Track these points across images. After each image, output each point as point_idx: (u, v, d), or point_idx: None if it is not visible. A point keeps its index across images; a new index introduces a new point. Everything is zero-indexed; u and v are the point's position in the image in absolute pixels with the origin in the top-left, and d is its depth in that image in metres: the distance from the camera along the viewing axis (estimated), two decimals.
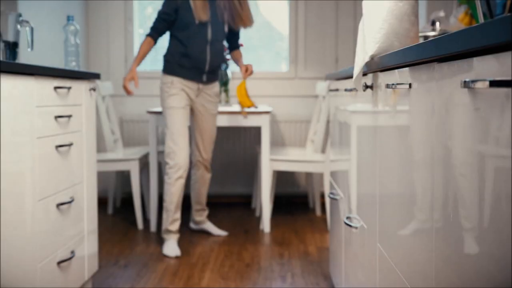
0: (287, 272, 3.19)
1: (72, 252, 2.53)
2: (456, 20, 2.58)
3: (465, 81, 0.89)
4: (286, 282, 3.03)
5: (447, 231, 1.05)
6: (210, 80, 3.72)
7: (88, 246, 2.76)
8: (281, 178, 5.00)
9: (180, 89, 3.61)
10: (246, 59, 5.19)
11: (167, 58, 3.67)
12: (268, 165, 4.11)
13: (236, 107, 4.42)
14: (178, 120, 3.56)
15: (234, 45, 3.97)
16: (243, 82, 3.87)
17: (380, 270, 1.61)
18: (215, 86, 3.78)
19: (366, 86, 1.75)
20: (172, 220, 3.64)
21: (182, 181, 3.61)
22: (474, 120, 0.92)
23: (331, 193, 2.73)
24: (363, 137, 1.92)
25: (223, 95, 4.66)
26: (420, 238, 1.22)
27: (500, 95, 0.82)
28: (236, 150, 5.08)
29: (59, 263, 2.39)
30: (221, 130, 4.92)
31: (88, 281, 2.85)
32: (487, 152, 0.87)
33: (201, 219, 4.02)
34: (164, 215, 3.65)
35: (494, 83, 0.81)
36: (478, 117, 0.91)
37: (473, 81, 0.86)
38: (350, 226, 2.02)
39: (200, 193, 3.96)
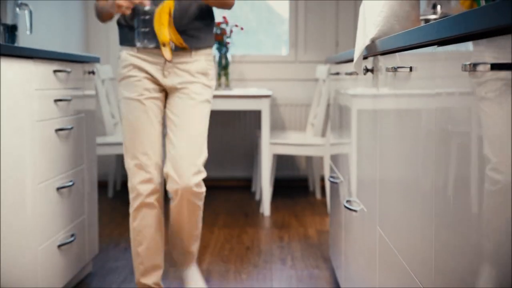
0: (287, 255, 3.20)
1: (73, 235, 2.54)
2: (457, 3, 2.57)
3: (465, 65, 0.89)
4: (286, 265, 3.04)
5: (447, 215, 1.06)
6: (181, 47, 2.31)
7: (88, 229, 2.77)
8: (281, 161, 5.00)
9: (132, 67, 2.33)
10: (246, 43, 5.17)
11: (119, 20, 2.45)
12: (268, 148, 4.11)
13: (236, 91, 4.41)
14: (134, 117, 2.33)
15: None
16: (166, 3, 2.27)
17: (380, 253, 1.61)
18: (197, 60, 2.36)
19: (367, 70, 1.75)
20: (145, 270, 2.43)
21: (148, 211, 2.37)
22: (475, 103, 0.92)
23: (331, 176, 2.74)
24: (363, 120, 1.91)
25: (223, 79, 4.64)
26: (420, 222, 1.23)
27: (501, 78, 0.82)
28: (236, 133, 5.07)
29: (59, 246, 2.39)
30: (220, 114, 4.92)
31: (88, 263, 2.86)
32: (487, 136, 0.87)
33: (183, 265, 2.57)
34: (134, 262, 2.45)
35: (495, 66, 0.81)
36: (478, 101, 0.90)
37: (474, 65, 0.86)
38: (350, 209, 2.02)
39: (178, 236, 2.47)
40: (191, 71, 2.35)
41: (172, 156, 2.30)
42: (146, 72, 2.33)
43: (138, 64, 2.33)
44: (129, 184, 2.35)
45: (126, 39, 2.35)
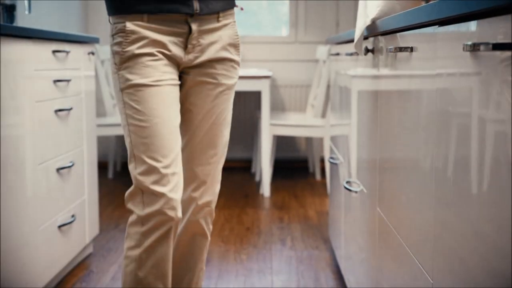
0: (287, 235, 3.22)
1: (73, 216, 2.55)
2: None
3: (467, 45, 0.88)
4: (285, 245, 3.05)
5: (447, 195, 1.06)
6: (211, 10, 1.68)
7: (88, 210, 2.78)
8: (281, 142, 5.00)
9: (146, 43, 1.64)
10: (246, 24, 5.15)
11: None
12: (268, 129, 4.10)
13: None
14: (151, 111, 1.61)
15: None
16: None
17: (380, 234, 1.62)
18: (226, 25, 1.72)
19: (367, 50, 1.74)
20: None
21: (165, 250, 1.64)
22: (476, 84, 0.92)
23: (331, 157, 2.74)
24: (363, 101, 1.91)
25: None
26: (420, 203, 1.23)
27: (502, 58, 0.81)
28: (236, 114, 5.06)
29: (60, 226, 2.40)
30: None
31: (89, 244, 2.87)
32: (488, 116, 0.87)
33: None
34: None
35: (497, 46, 0.80)
36: (480, 81, 0.90)
37: (475, 44, 0.85)
38: (350, 190, 2.02)
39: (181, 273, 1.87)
40: (221, 43, 1.70)
41: (199, 172, 1.77)
42: (164, 48, 1.64)
43: (154, 38, 1.62)
44: (148, 209, 1.58)
45: (129, 4, 1.63)
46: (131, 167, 1.62)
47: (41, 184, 2.23)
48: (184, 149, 1.76)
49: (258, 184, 4.42)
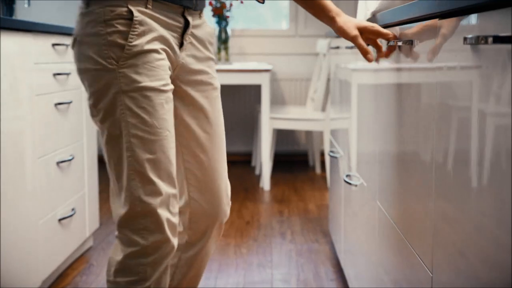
0: (286, 229, 3.22)
1: (73, 209, 2.55)
2: None
3: (467, 38, 0.88)
4: (285, 239, 3.05)
5: (446, 189, 1.06)
6: (201, 6, 1.53)
7: (88, 203, 2.78)
8: (281, 136, 5.00)
9: (153, 36, 1.39)
10: (246, 17, 5.14)
11: None
12: (268, 123, 4.10)
13: (236, 65, 4.40)
14: (161, 121, 1.38)
15: None
16: None
17: (379, 227, 1.62)
18: (205, 23, 1.56)
19: (367, 44, 1.73)
20: None
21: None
22: (476, 77, 0.91)
23: (331, 151, 2.74)
24: (363, 95, 1.91)
25: (222, 53, 4.62)
26: (420, 196, 1.23)
27: (503, 52, 0.81)
28: (236, 108, 5.06)
29: (60, 220, 2.40)
30: (221, 88, 4.89)
31: (89, 238, 2.87)
32: (488, 110, 0.87)
33: None
34: None
35: (497, 39, 0.80)
36: (480, 74, 0.90)
37: (476, 38, 0.85)
38: (349, 184, 2.02)
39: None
40: (206, 40, 1.53)
41: (202, 187, 1.61)
42: (168, 45, 1.42)
43: (161, 32, 1.40)
44: (151, 238, 1.37)
45: None
46: (131, 186, 1.34)
47: (41, 177, 2.23)
48: (199, 168, 1.55)
49: (258, 178, 4.42)
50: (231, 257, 2.79)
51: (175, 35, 1.43)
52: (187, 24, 1.45)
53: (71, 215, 2.49)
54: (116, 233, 1.41)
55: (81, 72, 1.39)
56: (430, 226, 1.15)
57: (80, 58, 1.39)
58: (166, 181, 1.37)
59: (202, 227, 1.58)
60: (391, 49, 1.46)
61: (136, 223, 1.35)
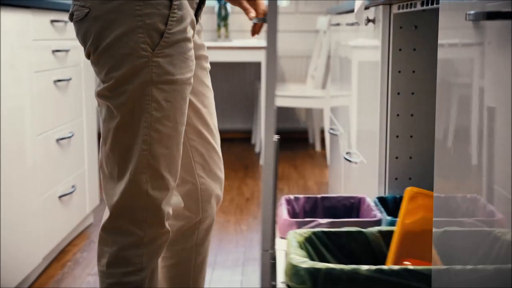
0: None
1: (73, 186, 2.55)
2: None
3: (469, 14, 0.87)
4: None
5: (446, 165, 1.05)
6: None
7: (88, 180, 2.78)
8: (281, 113, 5.00)
9: (189, 23, 1.31)
10: None
11: None
12: None
13: (236, 42, 4.38)
14: (183, 115, 1.34)
15: None
16: None
17: None
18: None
19: (368, 20, 1.72)
20: None
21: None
22: (478, 54, 0.91)
23: (331, 128, 2.73)
24: (364, 72, 1.90)
25: (222, 30, 4.59)
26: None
27: (505, 28, 0.81)
28: (235, 85, 5.05)
29: (60, 197, 2.41)
30: (220, 65, 4.88)
31: (89, 214, 2.88)
32: (490, 87, 0.86)
33: None
34: None
35: (500, 16, 0.79)
36: (482, 51, 0.89)
37: (478, 14, 0.84)
38: (350, 161, 2.02)
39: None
40: (200, 27, 1.48)
41: (211, 163, 1.53)
42: (194, 26, 1.35)
43: (191, 13, 1.32)
44: (153, 231, 1.34)
45: None
46: (139, 179, 1.28)
47: (41, 154, 2.23)
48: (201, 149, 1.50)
49: (258, 155, 4.43)
50: (231, 234, 2.80)
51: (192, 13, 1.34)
52: (202, 1, 1.39)
53: (71, 192, 2.50)
54: (106, 222, 1.33)
55: (100, 52, 1.25)
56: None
57: (98, 37, 1.24)
58: (174, 176, 1.33)
59: (212, 204, 1.53)
60: (258, 27, 1.45)
61: (136, 215, 1.31)
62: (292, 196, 1.64)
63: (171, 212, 1.37)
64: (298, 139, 5.00)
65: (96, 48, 1.25)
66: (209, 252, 1.62)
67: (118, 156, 1.29)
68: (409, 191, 1.31)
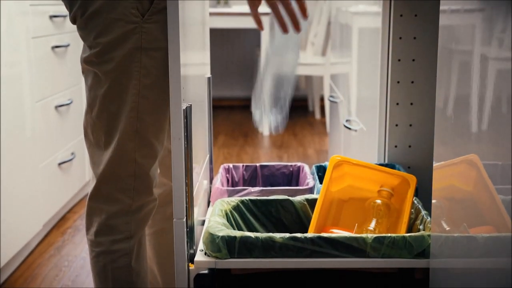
0: None
1: (72, 153, 2.55)
2: None
3: None
4: None
5: (446, 134, 1.05)
6: None
7: None
8: None
9: None
10: None
11: None
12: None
13: (235, 8, 4.34)
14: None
15: None
16: None
17: None
18: None
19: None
20: None
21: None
22: (479, 21, 0.90)
23: (331, 96, 2.72)
24: (364, 39, 1.88)
25: None
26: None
27: None
28: (235, 52, 5.02)
29: (59, 164, 2.41)
30: (219, 32, 4.84)
31: (89, 182, 2.88)
32: (491, 54, 0.85)
33: None
34: None
35: None
36: (483, 18, 0.88)
37: None
38: (349, 129, 2.02)
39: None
40: None
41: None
42: None
43: None
44: (141, 198, 1.33)
45: None
46: (127, 146, 1.27)
47: (40, 121, 2.23)
48: None
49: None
50: None
51: None
52: None
53: (70, 159, 2.50)
54: (92, 191, 1.32)
55: (88, 16, 1.22)
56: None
57: (87, 0, 1.22)
58: (161, 143, 1.32)
59: None
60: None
61: (124, 182, 1.29)
62: (231, 165, 1.64)
63: (158, 179, 1.36)
64: (298, 107, 4.99)
65: (84, 12, 1.22)
66: None
67: (105, 123, 1.27)
68: (333, 159, 1.31)
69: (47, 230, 2.40)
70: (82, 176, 2.71)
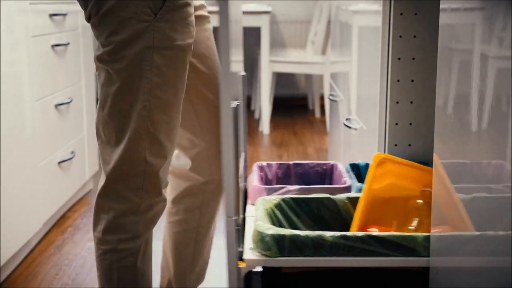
0: None
1: (72, 152, 2.55)
2: None
3: None
4: None
5: (446, 133, 1.05)
6: None
7: (88, 146, 2.78)
8: (281, 79, 4.97)
9: None
10: None
11: None
12: (268, 66, 4.07)
13: None
14: (184, 83, 1.34)
15: None
16: None
17: None
18: None
19: None
20: None
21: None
22: (479, 19, 0.90)
23: (331, 94, 2.72)
24: (364, 37, 1.88)
25: None
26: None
27: None
28: None
29: (59, 163, 2.41)
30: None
31: (89, 180, 2.89)
32: (491, 53, 0.85)
33: None
34: None
35: None
36: (483, 17, 0.88)
37: None
38: (349, 127, 2.02)
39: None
40: None
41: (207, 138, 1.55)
42: None
43: None
44: (150, 198, 1.33)
45: None
46: (138, 145, 1.27)
47: (39, 120, 2.23)
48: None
49: (258, 122, 4.42)
50: None
51: None
52: None
53: (70, 158, 2.50)
54: (102, 188, 1.31)
55: (102, 14, 1.23)
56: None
57: (102, 0, 1.23)
58: (172, 143, 1.32)
59: (218, 167, 1.52)
60: None
61: (133, 182, 1.29)
62: (264, 163, 1.64)
63: (167, 180, 1.36)
64: (298, 106, 4.99)
65: (98, 10, 1.23)
66: (216, 218, 1.62)
67: (116, 121, 1.27)
68: (377, 156, 1.31)
69: (47, 229, 2.41)
70: (82, 175, 2.71)
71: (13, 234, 2.02)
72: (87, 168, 2.76)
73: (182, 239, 1.59)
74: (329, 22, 4.09)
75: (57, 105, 2.39)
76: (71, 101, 2.51)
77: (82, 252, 2.24)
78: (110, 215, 1.31)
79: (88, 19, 1.28)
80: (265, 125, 4.12)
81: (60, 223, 2.50)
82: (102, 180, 1.33)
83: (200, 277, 1.65)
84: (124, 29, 1.21)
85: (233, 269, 1.13)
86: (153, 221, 1.35)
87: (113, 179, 1.30)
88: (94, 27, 1.27)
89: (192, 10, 1.29)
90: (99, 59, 1.27)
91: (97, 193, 1.34)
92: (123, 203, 1.31)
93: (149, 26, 1.22)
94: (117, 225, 1.32)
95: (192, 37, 1.29)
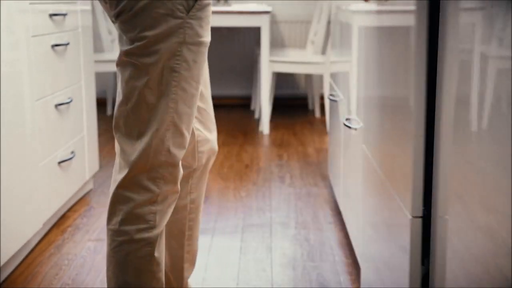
0: (285, 173, 3.23)
1: (72, 152, 2.55)
2: None
3: None
4: (284, 182, 3.07)
5: (449, 132, 1.05)
6: None
7: (88, 146, 2.78)
8: (281, 79, 4.98)
9: None
10: None
11: None
12: (268, 66, 4.07)
13: (235, 7, 4.34)
14: (202, 76, 1.42)
15: None
16: None
17: (366, 170, 1.62)
18: None
19: None
20: None
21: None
22: (479, 19, 0.90)
23: (331, 94, 2.72)
24: (364, 37, 1.88)
25: None
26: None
27: None
28: (235, 51, 5.02)
29: (59, 163, 2.41)
30: (219, 30, 4.84)
31: (89, 180, 2.89)
32: (491, 53, 0.85)
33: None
34: None
35: None
36: (483, 16, 0.88)
37: None
38: (349, 127, 2.02)
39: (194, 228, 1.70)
40: None
41: (207, 113, 1.65)
42: None
43: None
44: (167, 188, 1.38)
45: None
46: (164, 135, 1.33)
47: (40, 120, 2.23)
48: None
49: (258, 122, 4.42)
50: (231, 201, 2.81)
51: None
52: None
53: (70, 158, 2.50)
54: (123, 179, 1.35)
55: (136, 11, 1.28)
56: (443, 174, 1.15)
57: None
58: (189, 134, 1.39)
59: (205, 154, 1.60)
60: None
61: (154, 171, 1.34)
62: None
63: (182, 171, 1.41)
64: (298, 105, 4.99)
65: (132, 7, 1.28)
66: (202, 203, 1.68)
67: (143, 114, 1.33)
68: None
69: (47, 229, 2.41)
70: (82, 175, 2.71)
71: (13, 234, 2.02)
72: (87, 168, 2.76)
73: (175, 227, 1.64)
74: (329, 22, 4.09)
75: (57, 105, 2.39)
76: (71, 101, 2.51)
77: (82, 252, 2.25)
78: (128, 205, 1.35)
79: (117, 16, 1.31)
80: (265, 125, 4.12)
81: (60, 223, 2.50)
82: (122, 172, 1.36)
83: (192, 265, 1.71)
84: (159, 24, 1.28)
85: (415, 269, 1.13)
86: (168, 212, 1.39)
87: (136, 169, 1.34)
88: (125, 23, 1.31)
89: (211, 8, 1.38)
90: (127, 53, 1.31)
91: (116, 184, 1.37)
92: (142, 193, 1.35)
93: (182, 22, 1.30)
94: (136, 215, 1.35)
95: (210, 34, 1.38)
